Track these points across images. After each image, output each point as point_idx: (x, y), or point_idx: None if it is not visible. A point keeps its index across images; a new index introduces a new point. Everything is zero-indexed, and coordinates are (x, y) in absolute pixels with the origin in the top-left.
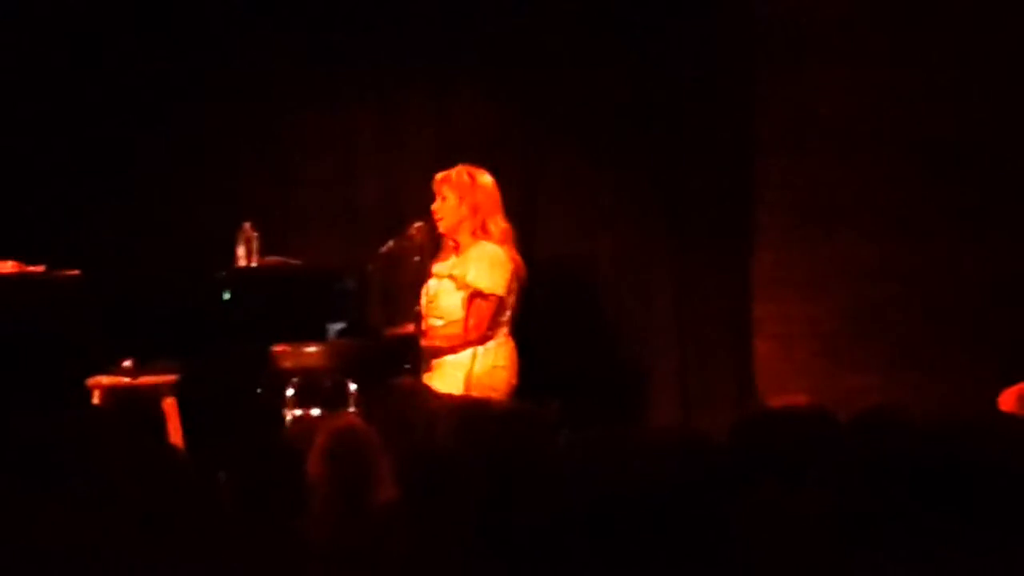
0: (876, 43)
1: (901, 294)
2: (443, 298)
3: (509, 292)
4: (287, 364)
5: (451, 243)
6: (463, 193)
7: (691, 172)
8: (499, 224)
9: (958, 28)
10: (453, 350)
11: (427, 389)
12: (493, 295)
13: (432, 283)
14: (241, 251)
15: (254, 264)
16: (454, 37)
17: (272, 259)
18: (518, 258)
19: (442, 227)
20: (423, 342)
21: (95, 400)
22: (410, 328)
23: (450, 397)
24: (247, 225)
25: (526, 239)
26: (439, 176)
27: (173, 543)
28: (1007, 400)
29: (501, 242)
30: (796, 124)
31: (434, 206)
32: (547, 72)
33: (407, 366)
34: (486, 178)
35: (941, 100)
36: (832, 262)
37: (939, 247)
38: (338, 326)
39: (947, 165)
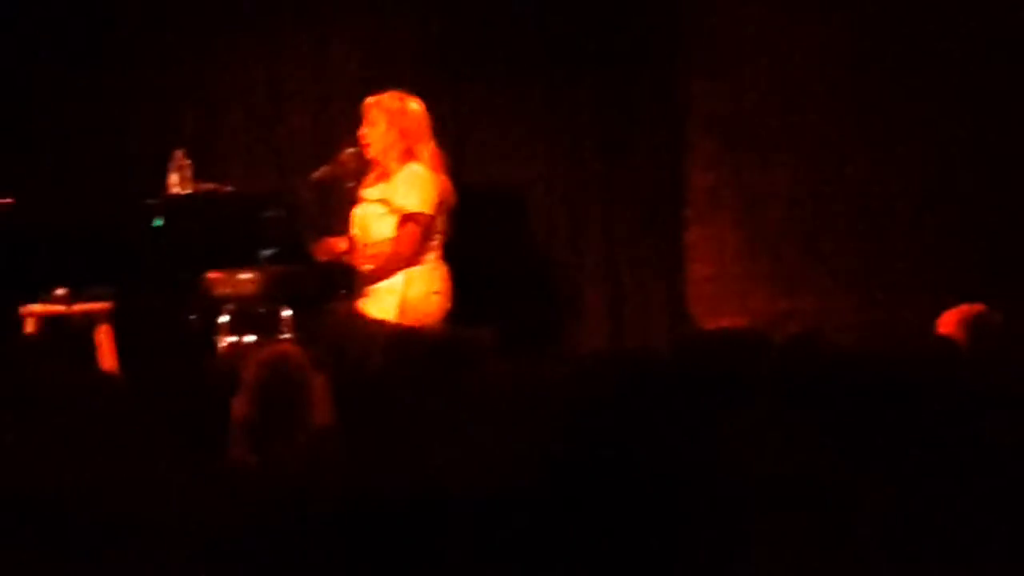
0: None
1: (835, 217)
2: (374, 223)
3: (438, 213)
4: (221, 291)
5: (379, 168)
6: (392, 118)
7: (623, 97)
8: (429, 149)
9: None
10: (385, 271)
11: (361, 315)
12: (422, 214)
13: (362, 208)
14: (174, 178)
15: (187, 191)
16: None
17: (205, 186)
18: (448, 182)
19: (370, 152)
20: (356, 267)
21: (28, 328)
22: (341, 244)
23: (384, 323)
24: (179, 152)
25: (456, 165)
26: (369, 100)
27: (105, 469)
28: (947, 323)
29: (431, 167)
30: (727, 48)
31: (362, 131)
32: None
33: (342, 292)
34: (415, 104)
35: (872, 24)
36: (765, 186)
37: (874, 170)
38: (271, 252)
39: (878, 87)
